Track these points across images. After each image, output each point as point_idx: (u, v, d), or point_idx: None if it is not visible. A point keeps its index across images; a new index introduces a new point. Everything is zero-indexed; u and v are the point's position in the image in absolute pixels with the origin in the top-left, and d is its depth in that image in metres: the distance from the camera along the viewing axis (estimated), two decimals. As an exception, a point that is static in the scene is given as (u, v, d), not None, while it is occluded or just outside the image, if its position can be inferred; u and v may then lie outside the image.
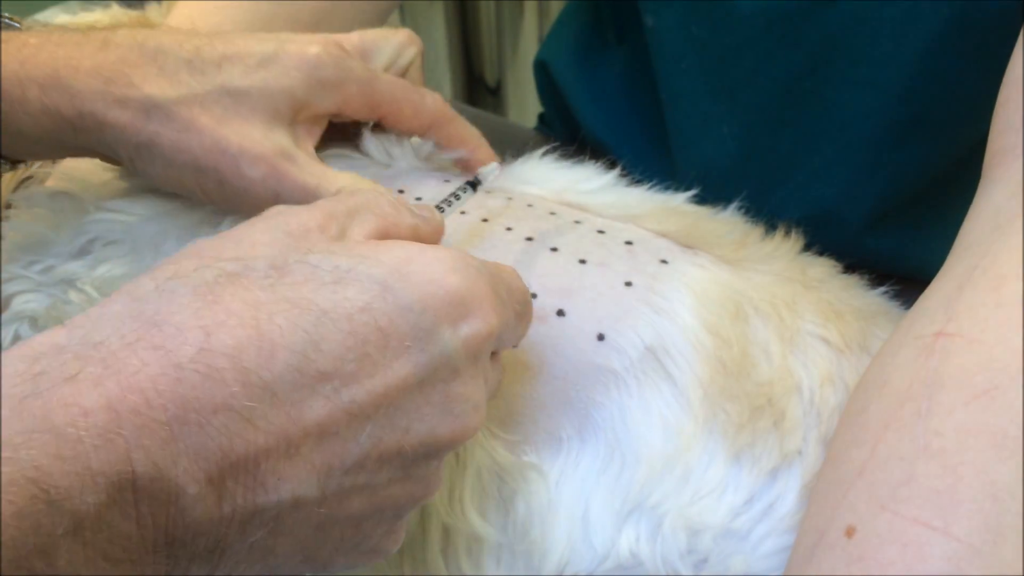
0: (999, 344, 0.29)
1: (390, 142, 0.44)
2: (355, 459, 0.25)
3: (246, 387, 0.22)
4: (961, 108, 0.51)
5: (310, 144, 0.40)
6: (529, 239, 0.39)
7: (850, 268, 0.44)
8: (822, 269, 0.43)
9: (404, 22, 1.28)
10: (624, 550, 0.33)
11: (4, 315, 0.41)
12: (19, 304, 0.41)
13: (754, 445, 0.34)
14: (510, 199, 0.42)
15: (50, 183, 0.45)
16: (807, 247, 0.44)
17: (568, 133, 0.71)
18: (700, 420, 0.34)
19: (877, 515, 0.27)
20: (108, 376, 0.21)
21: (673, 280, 0.38)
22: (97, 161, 0.42)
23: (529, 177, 0.44)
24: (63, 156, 0.41)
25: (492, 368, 0.30)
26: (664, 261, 0.39)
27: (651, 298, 0.37)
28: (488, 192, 0.40)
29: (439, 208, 0.36)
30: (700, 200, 0.45)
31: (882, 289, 0.43)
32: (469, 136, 0.45)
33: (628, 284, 0.37)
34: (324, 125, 0.42)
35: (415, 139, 0.45)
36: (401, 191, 0.43)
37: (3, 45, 0.36)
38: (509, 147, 0.47)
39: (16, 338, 0.41)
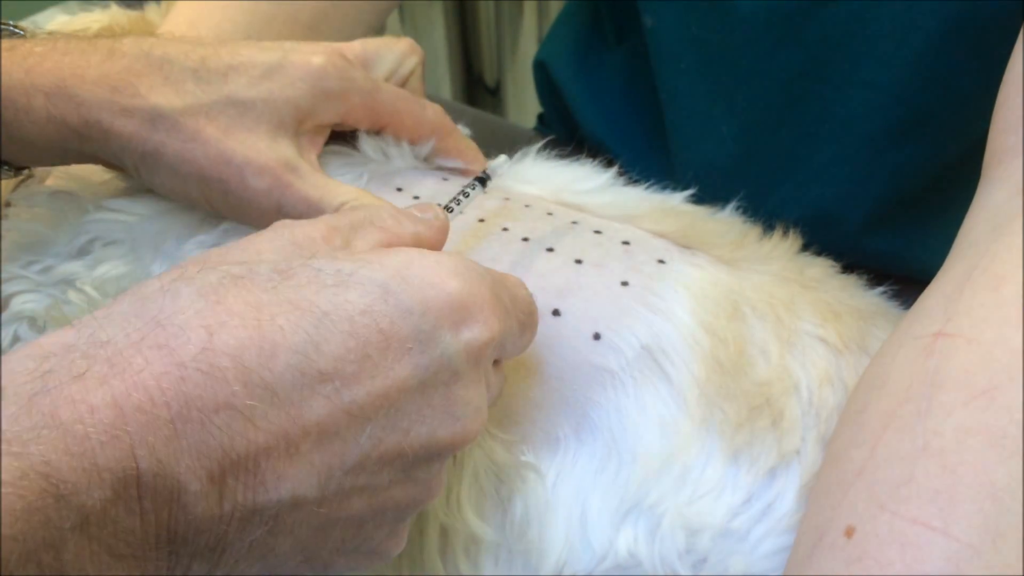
0: (999, 344, 0.29)
1: (387, 143, 0.44)
2: (355, 460, 0.25)
3: (247, 386, 0.23)
4: (961, 108, 0.51)
5: (313, 154, 0.41)
6: (525, 239, 0.39)
7: (848, 268, 0.44)
8: (820, 269, 0.43)
9: (403, 22, 1.28)
10: (622, 550, 0.33)
11: (3, 315, 0.41)
12: (18, 304, 0.41)
13: (752, 445, 0.34)
14: (507, 199, 0.42)
15: (50, 182, 0.45)
16: (806, 247, 0.44)
17: (567, 133, 0.71)
18: (697, 419, 0.34)
19: (876, 515, 0.27)
20: (114, 374, 0.22)
21: (670, 280, 0.38)
22: (98, 161, 0.42)
23: (527, 176, 0.45)
24: (68, 163, 0.41)
25: (494, 375, 0.30)
26: (661, 261, 0.39)
27: (648, 298, 0.37)
28: (485, 192, 0.41)
29: (448, 208, 0.36)
30: (699, 200, 0.45)
31: (881, 289, 0.43)
32: (467, 148, 0.45)
33: (625, 284, 0.37)
34: (327, 135, 0.42)
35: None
36: (399, 189, 0.43)
37: (9, 53, 0.36)
38: (509, 147, 0.47)
39: (15, 338, 0.41)
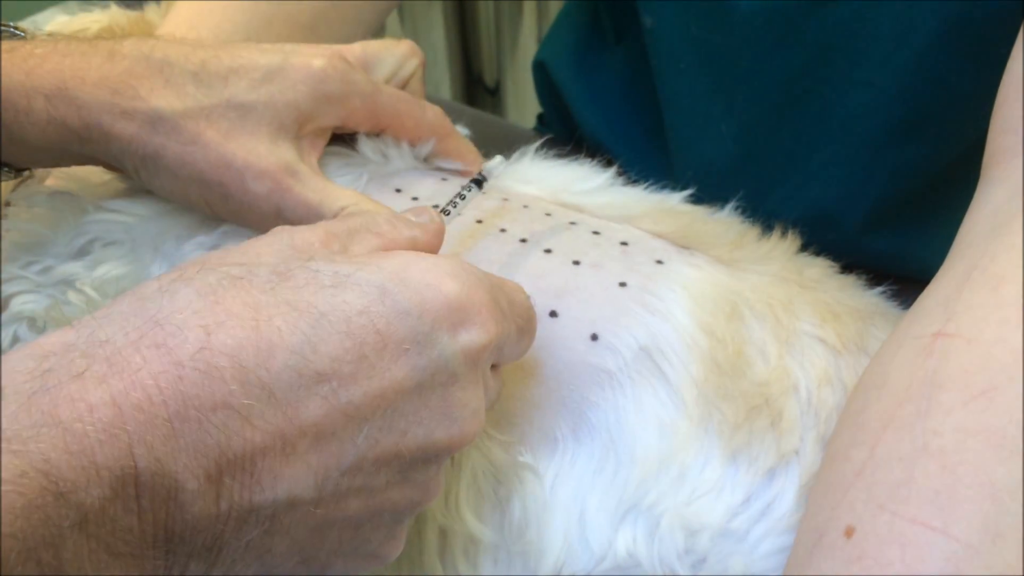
0: (998, 344, 0.29)
1: (386, 144, 0.44)
2: (352, 461, 0.25)
3: (244, 386, 0.23)
4: (960, 108, 0.51)
5: (314, 157, 0.41)
6: (523, 240, 0.39)
7: (848, 268, 0.44)
8: (819, 269, 0.42)
9: (403, 22, 1.28)
10: (621, 550, 0.33)
11: (3, 316, 0.41)
12: (18, 305, 0.41)
13: (751, 445, 0.34)
14: (506, 200, 0.42)
15: (50, 182, 0.45)
16: (805, 247, 0.44)
17: (567, 133, 0.71)
18: (695, 419, 0.34)
19: (876, 515, 0.27)
20: (112, 373, 0.22)
21: (668, 280, 0.38)
22: (98, 162, 0.42)
23: (525, 176, 0.45)
24: (69, 165, 0.41)
25: (492, 379, 0.30)
26: (660, 262, 0.39)
27: (645, 298, 0.37)
28: (484, 193, 0.41)
29: (445, 211, 0.36)
30: (698, 200, 0.45)
31: (880, 289, 0.43)
32: (466, 151, 0.45)
33: (622, 284, 0.37)
34: (328, 137, 0.42)
35: None
36: (398, 190, 0.43)
37: (9, 55, 0.36)
38: (508, 148, 0.47)
39: (15, 339, 0.41)
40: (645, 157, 0.63)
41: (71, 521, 0.20)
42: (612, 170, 0.46)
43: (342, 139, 0.44)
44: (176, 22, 0.50)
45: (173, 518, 0.22)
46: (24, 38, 0.40)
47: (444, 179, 0.44)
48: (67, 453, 0.20)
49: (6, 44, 0.37)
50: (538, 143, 0.46)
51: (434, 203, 0.41)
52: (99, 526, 0.21)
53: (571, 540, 0.34)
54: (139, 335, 0.23)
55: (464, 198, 0.38)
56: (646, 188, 0.45)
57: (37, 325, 0.41)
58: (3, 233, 0.43)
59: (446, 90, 1.36)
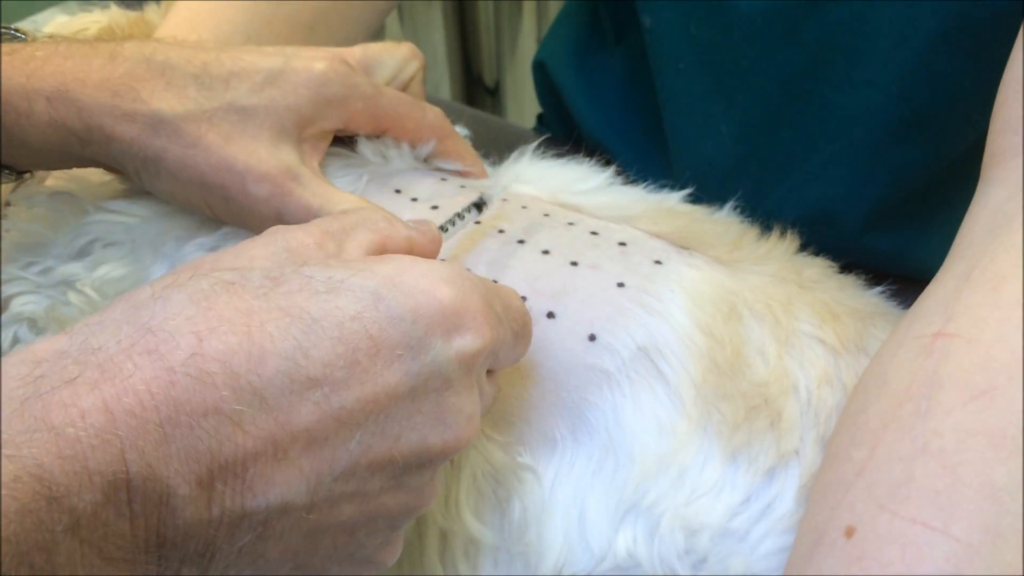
0: (998, 344, 0.29)
1: (386, 145, 0.44)
2: (345, 466, 0.25)
3: (236, 391, 0.23)
4: (960, 108, 0.51)
5: (315, 160, 0.41)
6: (521, 241, 0.39)
7: (847, 268, 0.44)
8: (818, 269, 0.42)
9: (403, 23, 1.28)
10: (621, 550, 0.33)
11: (3, 317, 0.41)
12: (18, 305, 0.41)
13: (751, 445, 0.34)
14: (504, 200, 0.42)
15: (50, 182, 0.45)
16: (804, 247, 0.44)
17: (567, 133, 0.71)
18: (694, 419, 0.34)
19: (876, 515, 0.27)
20: (104, 379, 0.22)
21: (667, 281, 0.37)
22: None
23: (524, 176, 0.45)
24: (70, 167, 0.41)
25: (487, 384, 0.30)
26: (658, 262, 0.39)
27: (644, 299, 0.37)
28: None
29: (443, 228, 0.36)
30: (698, 200, 0.45)
31: (879, 289, 0.43)
32: (466, 153, 0.45)
33: (621, 285, 0.37)
34: (329, 140, 0.42)
35: None
36: (398, 191, 0.43)
37: (10, 57, 0.36)
38: (508, 148, 0.47)
39: (15, 340, 0.41)
40: (644, 157, 0.63)
41: (64, 525, 0.20)
42: (611, 170, 0.46)
43: (342, 140, 0.44)
44: (176, 22, 0.50)
45: (165, 523, 0.22)
46: (25, 40, 0.40)
47: (443, 179, 0.44)
48: (59, 458, 0.20)
49: (7, 46, 0.37)
50: (536, 142, 0.46)
51: (433, 203, 0.41)
52: (91, 531, 0.21)
53: (571, 540, 0.34)
54: (131, 342, 0.23)
55: (463, 218, 0.38)
56: (645, 188, 0.45)
57: (37, 326, 0.41)
58: (3, 234, 0.43)
59: (446, 90, 1.36)
